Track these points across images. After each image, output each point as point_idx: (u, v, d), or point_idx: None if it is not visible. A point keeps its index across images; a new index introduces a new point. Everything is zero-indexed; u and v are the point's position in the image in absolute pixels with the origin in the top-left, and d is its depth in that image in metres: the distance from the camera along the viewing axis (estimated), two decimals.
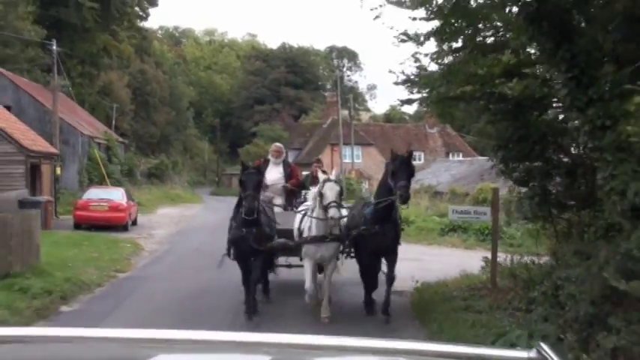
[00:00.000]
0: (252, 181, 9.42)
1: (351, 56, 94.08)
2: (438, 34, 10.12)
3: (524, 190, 10.88)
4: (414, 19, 10.25)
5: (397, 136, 58.77)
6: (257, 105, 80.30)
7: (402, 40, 10.75)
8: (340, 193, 9.66)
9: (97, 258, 15.64)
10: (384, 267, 10.34)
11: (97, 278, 13.42)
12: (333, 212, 9.36)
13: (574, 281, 7.60)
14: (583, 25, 6.92)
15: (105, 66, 50.10)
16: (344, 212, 10.47)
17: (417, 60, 11.13)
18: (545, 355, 1.77)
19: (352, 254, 10.80)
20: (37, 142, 24.75)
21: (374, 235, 9.70)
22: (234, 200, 11.11)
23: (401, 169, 9.15)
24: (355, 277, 10.90)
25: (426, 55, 10.95)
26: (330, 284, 10.28)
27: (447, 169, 40.11)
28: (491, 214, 11.41)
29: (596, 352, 6.72)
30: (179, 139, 71.52)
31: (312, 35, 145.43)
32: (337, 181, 9.82)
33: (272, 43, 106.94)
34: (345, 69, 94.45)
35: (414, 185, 17.53)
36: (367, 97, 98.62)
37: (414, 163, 9.93)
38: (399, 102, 51.63)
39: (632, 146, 5.77)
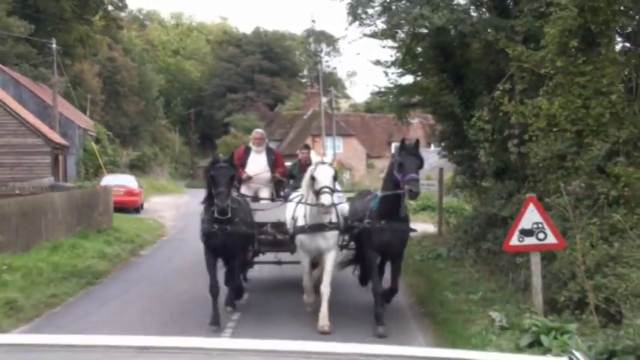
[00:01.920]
0: (224, 177, 9.33)
1: (330, 41, 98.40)
2: (398, 63, 17.53)
3: (459, 168, 18.32)
4: (384, 47, 17.66)
5: (378, 126, 65.59)
6: (230, 93, 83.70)
7: (375, 64, 18.17)
8: (334, 178, 9.80)
9: (138, 227, 22.76)
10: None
11: (150, 238, 20.65)
12: (324, 199, 9.28)
13: (474, 217, 15.07)
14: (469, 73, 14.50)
15: (79, 56, 56.53)
16: (338, 199, 10.52)
17: (387, 75, 18.52)
18: None
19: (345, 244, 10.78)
20: (54, 136, 31.75)
21: (380, 232, 9.64)
22: None
23: (409, 159, 9.21)
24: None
25: (393, 73, 18.37)
26: (329, 285, 9.80)
27: (425, 159, 47.48)
28: (438, 186, 18.85)
29: (480, 252, 14.09)
30: (148, 130, 76.63)
31: (287, 19, 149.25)
32: (331, 165, 10.44)
33: (245, 27, 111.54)
34: (323, 54, 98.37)
35: None
36: (347, 84, 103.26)
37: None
38: (373, 108, 62.13)
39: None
